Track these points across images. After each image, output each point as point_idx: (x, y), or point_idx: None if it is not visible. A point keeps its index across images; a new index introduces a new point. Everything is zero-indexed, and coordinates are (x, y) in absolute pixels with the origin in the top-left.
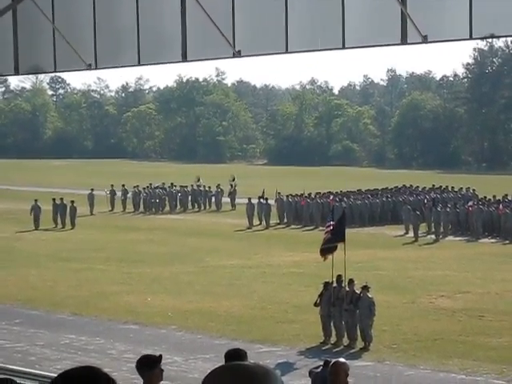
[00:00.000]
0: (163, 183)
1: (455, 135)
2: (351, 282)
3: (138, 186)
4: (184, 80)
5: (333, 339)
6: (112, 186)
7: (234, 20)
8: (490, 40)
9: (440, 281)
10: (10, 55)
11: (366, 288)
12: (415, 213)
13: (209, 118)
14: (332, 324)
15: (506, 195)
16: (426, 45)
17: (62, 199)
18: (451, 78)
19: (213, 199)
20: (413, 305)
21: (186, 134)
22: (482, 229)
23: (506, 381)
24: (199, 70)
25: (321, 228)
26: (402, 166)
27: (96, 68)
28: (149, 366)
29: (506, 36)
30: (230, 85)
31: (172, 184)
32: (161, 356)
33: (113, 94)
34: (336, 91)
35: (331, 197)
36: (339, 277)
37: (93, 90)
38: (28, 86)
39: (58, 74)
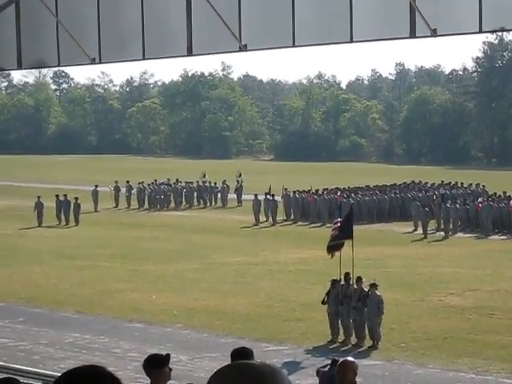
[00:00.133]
0: (168, 179)
1: (465, 130)
2: (359, 279)
3: (142, 182)
4: (189, 74)
5: (340, 338)
6: (116, 182)
7: (240, 13)
8: (500, 33)
9: (449, 278)
10: (12, 49)
11: (374, 285)
12: (424, 209)
13: (214, 112)
14: (340, 322)
15: None
16: (435, 38)
17: (65, 195)
18: (460, 72)
19: (219, 195)
20: (422, 303)
21: (191, 129)
22: (491, 225)
23: None
24: (205, 65)
25: (328, 225)
26: (411, 161)
27: (100, 62)
28: (157, 365)
29: None
30: (236, 79)
31: (177, 180)
32: (169, 355)
33: (117, 88)
34: (344, 85)
35: (339, 193)
36: (347, 274)
37: (97, 85)
38: (31, 80)
39: (61, 68)
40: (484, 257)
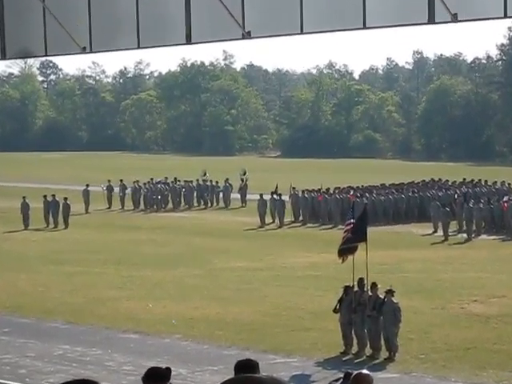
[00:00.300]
0: (166, 178)
1: (488, 123)
2: (374, 285)
3: (137, 181)
4: (188, 64)
5: (354, 349)
6: (109, 181)
7: None
8: None
9: (472, 284)
10: None
11: (390, 292)
12: (445, 209)
13: (216, 105)
14: (353, 332)
15: None
16: (456, 24)
17: (54, 196)
18: (484, 61)
19: (221, 195)
20: (442, 311)
21: (190, 124)
22: None
23: None
24: (205, 53)
25: (340, 226)
26: (430, 157)
27: (91, 51)
28: (158, 379)
29: None
30: (239, 69)
31: (175, 179)
32: (170, 369)
33: (110, 79)
34: (356, 76)
35: (351, 192)
36: (361, 280)
37: (88, 76)
38: (16, 71)
39: (49, 58)
40: (510, 260)
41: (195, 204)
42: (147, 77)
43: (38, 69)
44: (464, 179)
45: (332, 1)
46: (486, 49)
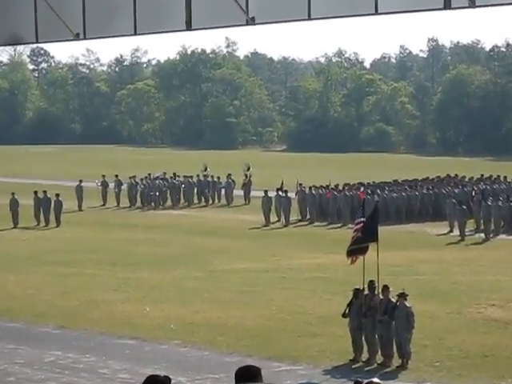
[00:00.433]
0: (164, 173)
1: (508, 115)
2: (386, 288)
3: (134, 176)
4: (188, 52)
5: (364, 356)
6: (104, 176)
7: None
8: None
9: (490, 287)
10: None
11: (403, 296)
12: (461, 207)
13: (218, 96)
14: (363, 338)
15: None
16: (474, 10)
17: (45, 192)
18: (503, 49)
19: (222, 192)
20: (459, 315)
21: (190, 116)
22: None
23: None
24: (206, 40)
25: (349, 225)
26: (446, 152)
27: (85, 38)
28: None
29: None
30: (242, 57)
31: (174, 174)
32: (168, 378)
33: (104, 68)
34: (367, 64)
35: (362, 188)
36: (372, 283)
37: (81, 64)
38: (5, 59)
39: (40, 45)
40: None
41: (195, 201)
42: (144, 65)
43: (28, 56)
44: (482, 175)
45: None
46: (506, 36)
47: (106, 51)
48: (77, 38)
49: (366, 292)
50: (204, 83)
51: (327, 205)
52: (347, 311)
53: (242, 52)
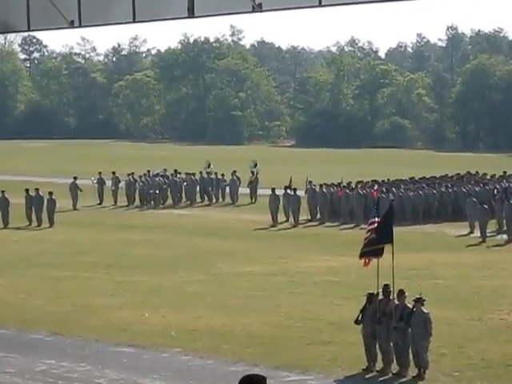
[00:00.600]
0: (165, 170)
1: None
2: (401, 293)
3: (132, 173)
4: (191, 40)
5: (378, 365)
6: (100, 173)
7: None
8: None
9: None
10: None
11: (420, 301)
12: (482, 206)
13: (222, 88)
14: (377, 346)
15: None
16: None
17: (37, 190)
18: None
19: (227, 190)
20: (479, 322)
21: (193, 109)
22: None
23: None
24: (210, 28)
25: (363, 226)
26: (466, 147)
27: (80, 26)
28: None
29: None
30: (248, 46)
31: (176, 171)
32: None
33: (101, 58)
34: (382, 54)
35: (376, 187)
36: (386, 287)
37: (76, 54)
38: None
39: (32, 33)
40: None
41: (198, 200)
42: (144, 55)
43: (19, 45)
44: (504, 172)
45: None
46: None
47: (102, 40)
48: (71, 25)
49: (381, 297)
50: (207, 74)
51: (339, 204)
52: (360, 317)
53: (247, 41)
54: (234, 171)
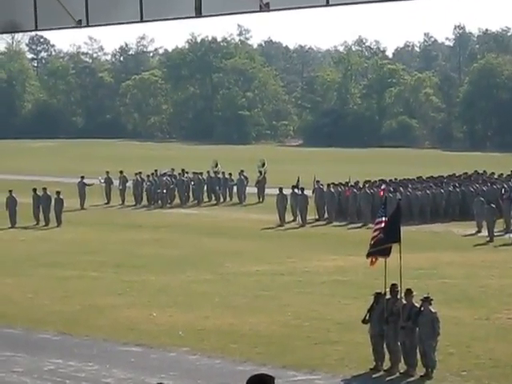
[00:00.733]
0: (172, 169)
1: None
2: (409, 292)
3: (140, 172)
4: (198, 40)
5: (386, 364)
6: (108, 172)
7: None
8: None
9: None
10: None
11: (427, 300)
12: (490, 206)
13: (229, 87)
14: (385, 345)
15: None
16: None
17: (44, 189)
18: None
19: (234, 189)
20: (487, 321)
21: (200, 108)
22: None
23: None
24: (217, 28)
25: (370, 225)
26: (474, 146)
27: (87, 25)
28: None
29: None
30: (255, 46)
31: (183, 170)
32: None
33: (108, 57)
34: (390, 53)
35: (383, 186)
36: (394, 286)
37: (83, 53)
38: (2, 48)
39: (39, 32)
40: None
41: (205, 199)
42: (151, 54)
43: (26, 45)
44: None
45: None
46: None
47: (109, 39)
48: (79, 25)
49: (388, 296)
50: (215, 73)
51: (346, 203)
52: (368, 317)
53: (255, 40)
54: (242, 171)
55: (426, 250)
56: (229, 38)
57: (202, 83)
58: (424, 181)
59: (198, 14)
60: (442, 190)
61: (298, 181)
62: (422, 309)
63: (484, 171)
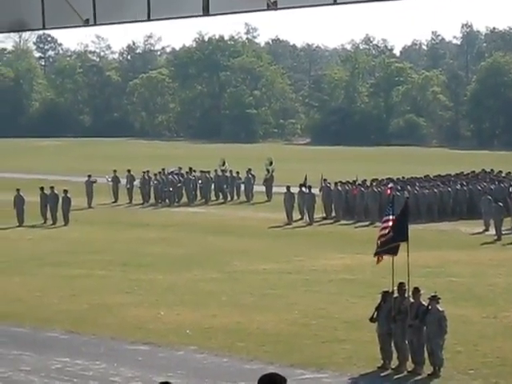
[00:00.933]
0: (179, 168)
1: None
2: (417, 291)
3: (147, 171)
4: (205, 38)
5: (394, 363)
6: (115, 171)
7: None
8: None
9: None
10: None
11: (435, 299)
12: (497, 204)
13: (237, 85)
14: (392, 344)
15: None
16: None
17: (52, 188)
18: None
19: (242, 188)
20: (495, 320)
21: (207, 107)
22: None
23: None
24: (224, 26)
25: (378, 224)
26: (481, 145)
27: (95, 24)
28: None
29: None
30: (263, 44)
31: (190, 169)
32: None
33: (116, 56)
34: (397, 52)
35: (391, 184)
36: (401, 285)
37: (91, 52)
38: (9, 46)
39: (47, 31)
40: None
41: (213, 198)
42: (158, 53)
43: (34, 44)
44: None
45: None
46: None
47: (117, 38)
48: (86, 23)
49: (396, 295)
50: (222, 72)
51: (354, 202)
52: (375, 315)
53: (262, 39)
54: (249, 169)
55: (433, 249)
56: (236, 37)
57: (210, 82)
58: (431, 179)
59: (206, 12)
60: (450, 189)
61: (306, 179)
62: (430, 307)
63: (491, 170)
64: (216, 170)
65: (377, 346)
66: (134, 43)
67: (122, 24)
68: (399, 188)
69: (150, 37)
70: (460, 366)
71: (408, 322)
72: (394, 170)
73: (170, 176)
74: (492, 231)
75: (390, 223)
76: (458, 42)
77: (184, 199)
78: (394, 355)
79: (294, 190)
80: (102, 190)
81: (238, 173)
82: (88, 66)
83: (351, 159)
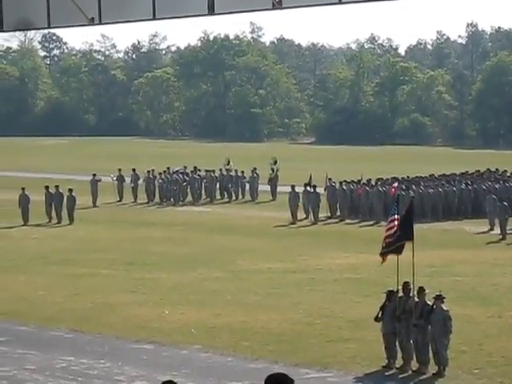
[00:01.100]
0: (184, 167)
1: None
2: (421, 290)
3: (152, 170)
4: (210, 38)
5: (398, 362)
6: (120, 170)
7: None
8: None
9: None
10: None
11: (440, 298)
12: (502, 204)
13: (242, 85)
14: (397, 343)
15: None
16: None
17: (57, 187)
18: None
19: (247, 187)
20: (499, 319)
21: (212, 106)
22: None
23: None
24: (230, 26)
25: (383, 223)
26: (486, 144)
27: (100, 23)
28: None
29: None
30: (268, 44)
31: (195, 168)
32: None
33: (121, 55)
34: (402, 51)
35: (396, 184)
36: (406, 284)
37: (96, 51)
38: (14, 45)
39: (52, 30)
40: None
41: (218, 197)
42: (163, 52)
43: (39, 42)
44: None
45: None
46: None
47: (122, 37)
48: (91, 22)
49: (401, 294)
50: (227, 71)
51: (359, 201)
52: (380, 315)
53: (267, 38)
54: (254, 168)
55: (438, 248)
56: (241, 36)
57: (215, 81)
58: (436, 179)
59: (211, 11)
60: (455, 188)
61: (311, 178)
62: (435, 307)
63: (496, 169)
64: (221, 169)
65: (381, 345)
66: (139, 42)
67: (127, 23)
68: (404, 187)
69: (155, 36)
70: (465, 365)
71: (413, 322)
72: (398, 169)
73: (175, 175)
74: (497, 230)
75: (396, 223)
76: (463, 42)
77: (189, 198)
78: (399, 354)
79: (299, 189)
80: (107, 188)
81: (242, 172)
82: (93, 64)
83: (356, 158)
